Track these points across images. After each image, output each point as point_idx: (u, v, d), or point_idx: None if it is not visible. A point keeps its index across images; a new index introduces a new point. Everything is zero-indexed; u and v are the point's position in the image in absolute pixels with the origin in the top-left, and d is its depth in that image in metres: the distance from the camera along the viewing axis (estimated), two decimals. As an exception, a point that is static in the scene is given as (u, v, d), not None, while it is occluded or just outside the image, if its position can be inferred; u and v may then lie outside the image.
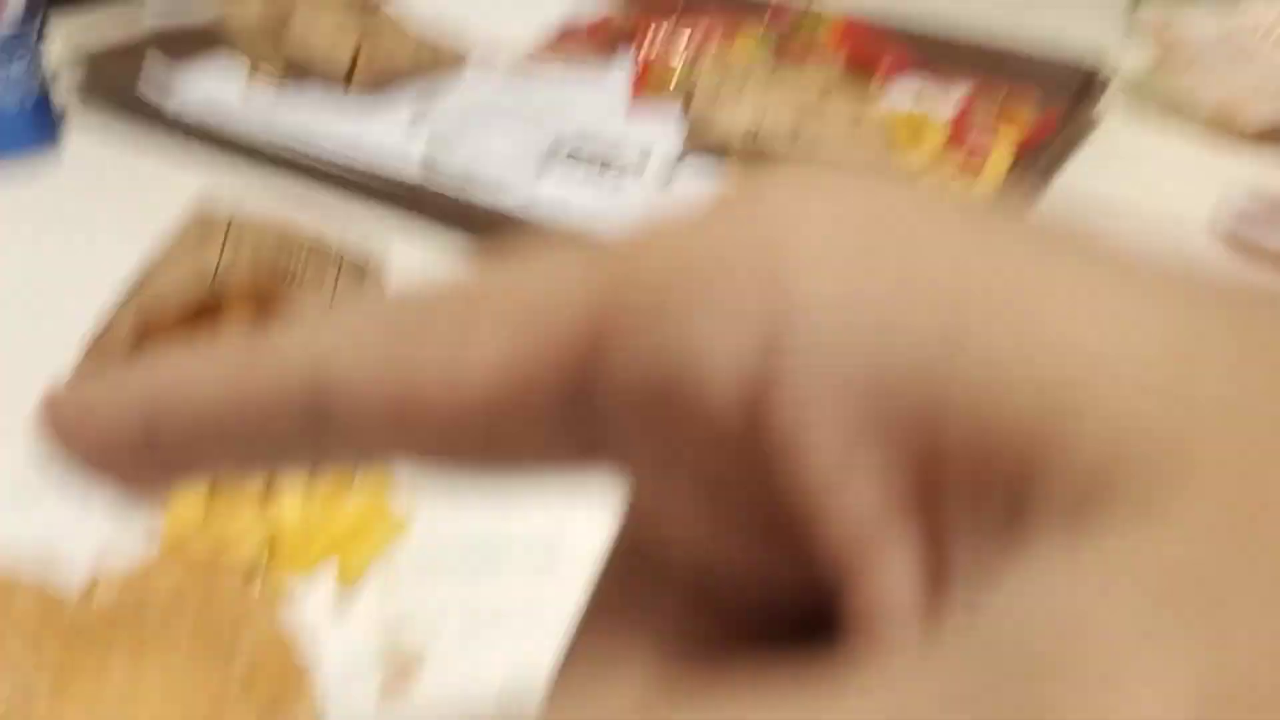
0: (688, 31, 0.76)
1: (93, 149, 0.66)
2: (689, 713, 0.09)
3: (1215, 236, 0.60)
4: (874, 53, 0.73)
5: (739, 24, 0.77)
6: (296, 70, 0.70)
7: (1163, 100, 0.71)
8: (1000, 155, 0.63)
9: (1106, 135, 0.70)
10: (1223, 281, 0.10)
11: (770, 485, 0.11)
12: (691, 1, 0.80)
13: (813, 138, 0.59)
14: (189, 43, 0.74)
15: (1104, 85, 0.69)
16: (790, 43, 0.74)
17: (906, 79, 0.72)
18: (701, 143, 0.62)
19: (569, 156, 0.63)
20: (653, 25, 0.76)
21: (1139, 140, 0.70)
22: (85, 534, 0.38)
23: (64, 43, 0.75)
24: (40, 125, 0.65)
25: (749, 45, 0.74)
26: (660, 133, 0.65)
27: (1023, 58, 0.72)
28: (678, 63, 0.71)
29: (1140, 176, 0.68)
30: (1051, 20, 0.82)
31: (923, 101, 0.69)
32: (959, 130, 0.66)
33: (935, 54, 0.73)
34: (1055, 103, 0.68)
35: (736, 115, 0.61)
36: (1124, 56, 0.70)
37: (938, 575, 0.10)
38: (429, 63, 0.72)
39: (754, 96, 0.61)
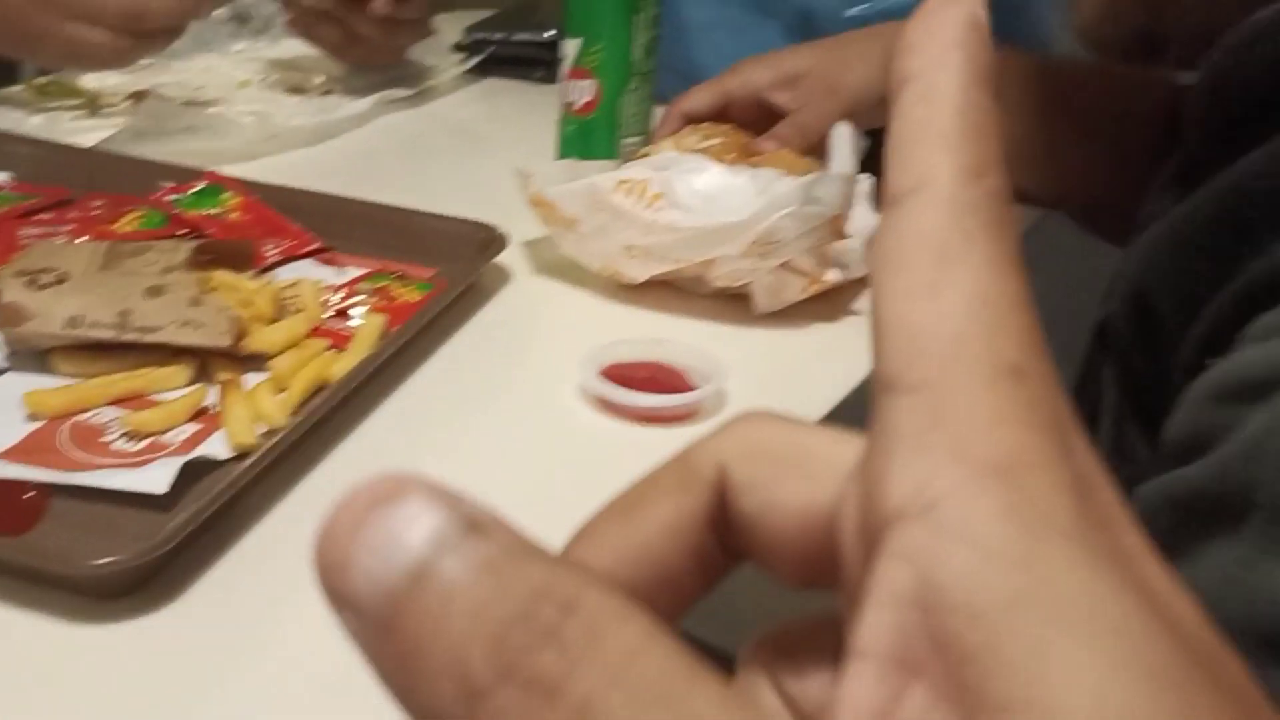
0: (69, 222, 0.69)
1: None
2: None
3: (585, 394, 0.59)
4: (266, 229, 0.69)
5: (123, 206, 0.71)
6: None
7: (556, 262, 0.71)
8: (371, 329, 0.60)
9: (501, 300, 0.69)
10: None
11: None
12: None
13: (144, 322, 0.54)
14: None
15: (500, 248, 0.68)
16: (176, 219, 0.69)
17: (300, 257, 0.69)
18: (16, 336, 0.55)
19: None
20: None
21: (533, 303, 0.69)
22: None
23: None
24: None
25: (130, 223, 0.69)
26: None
27: (426, 229, 0.70)
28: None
29: (533, 338, 0.67)
30: (452, 189, 0.81)
31: (309, 278, 0.66)
32: (339, 310, 0.63)
33: (335, 228, 0.70)
34: (451, 272, 0.67)
35: (59, 305, 0.54)
36: (520, 222, 0.70)
37: None
38: None
39: (85, 283, 0.55)
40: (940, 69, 0.18)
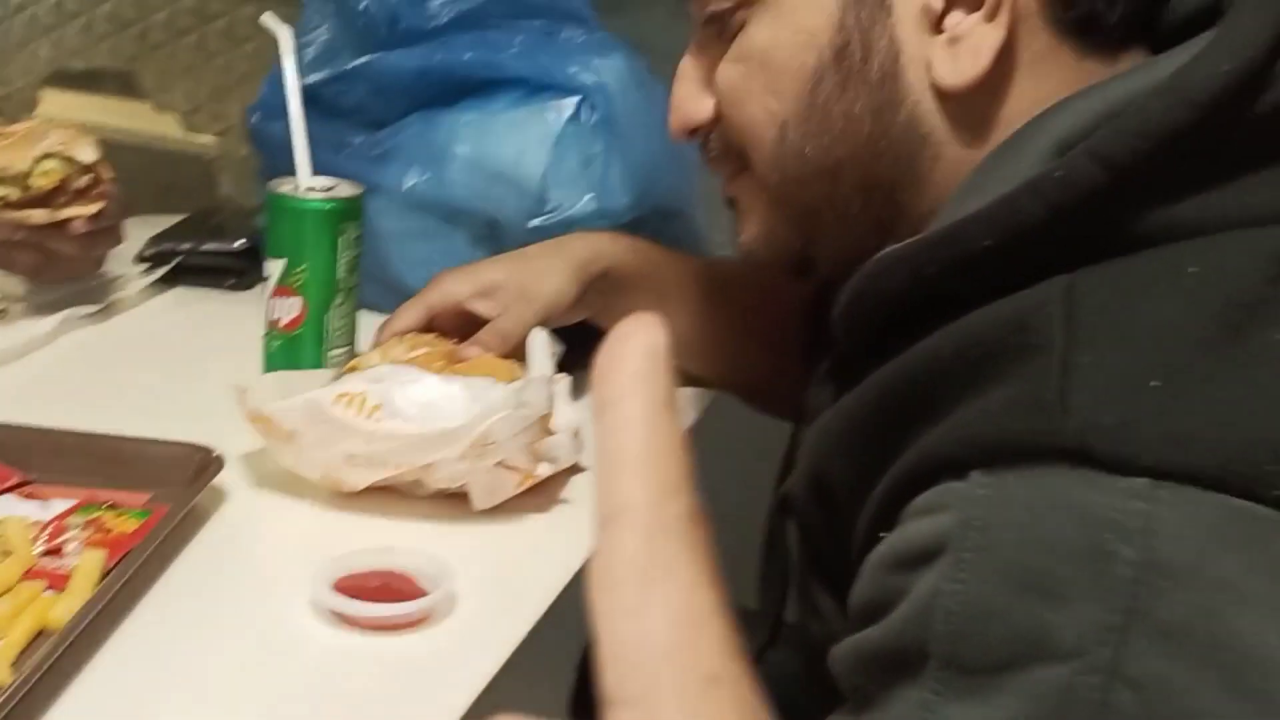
0: None
1: None
2: None
3: (317, 610, 0.61)
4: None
5: None
6: None
7: (273, 475, 0.73)
8: (90, 565, 0.59)
9: (221, 520, 0.69)
10: None
11: None
12: None
13: None
14: None
15: (218, 469, 0.69)
16: None
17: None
18: None
19: None
20: None
21: (254, 521, 0.70)
22: None
23: None
24: None
25: None
26: None
27: (136, 455, 0.70)
28: None
29: (259, 557, 0.67)
30: (154, 407, 0.81)
31: (13, 516, 0.63)
32: (51, 549, 0.61)
33: (34, 460, 0.69)
34: (166, 496, 0.66)
35: None
36: (230, 436, 0.71)
37: None
38: None
39: None
40: (627, 398, 0.24)
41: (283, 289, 0.80)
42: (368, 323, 0.85)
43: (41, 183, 0.85)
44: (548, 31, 1.02)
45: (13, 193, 0.87)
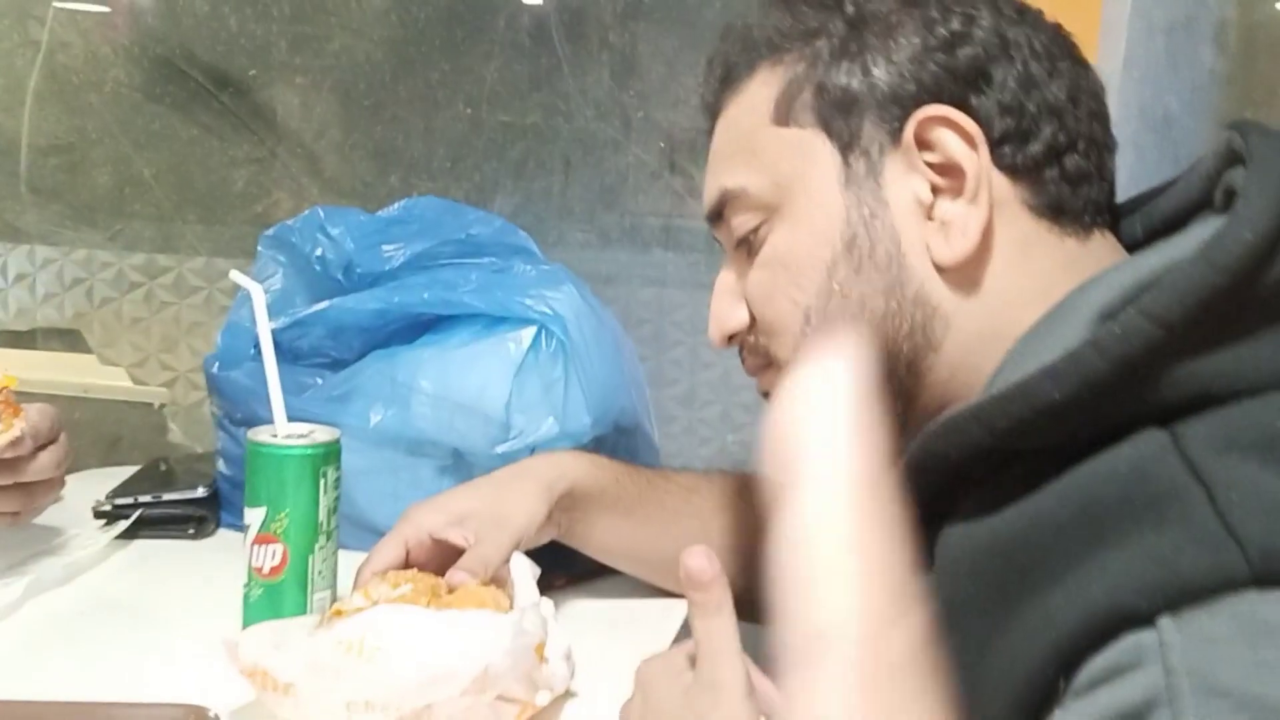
0: None
1: None
2: None
3: None
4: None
5: None
6: None
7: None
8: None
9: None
10: None
11: None
12: None
13: None
14: None
15: (213, 729, 0.68)
16: None
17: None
18: None
19: None
20: None
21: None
22: None
23: None
24: None
25: None
26: None
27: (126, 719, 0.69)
28: None
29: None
30: (149, 668, 0.80)
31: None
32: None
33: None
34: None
35: None
36: (224, 693, 0.70)
37: None
38: None
39: None
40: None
41: (264, 537, 0.80)
42: (342, 563, 0.86)
43: None
44: (499, 268, 1.08)
45: None
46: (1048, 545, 0.51)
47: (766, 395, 0.69)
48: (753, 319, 0.69)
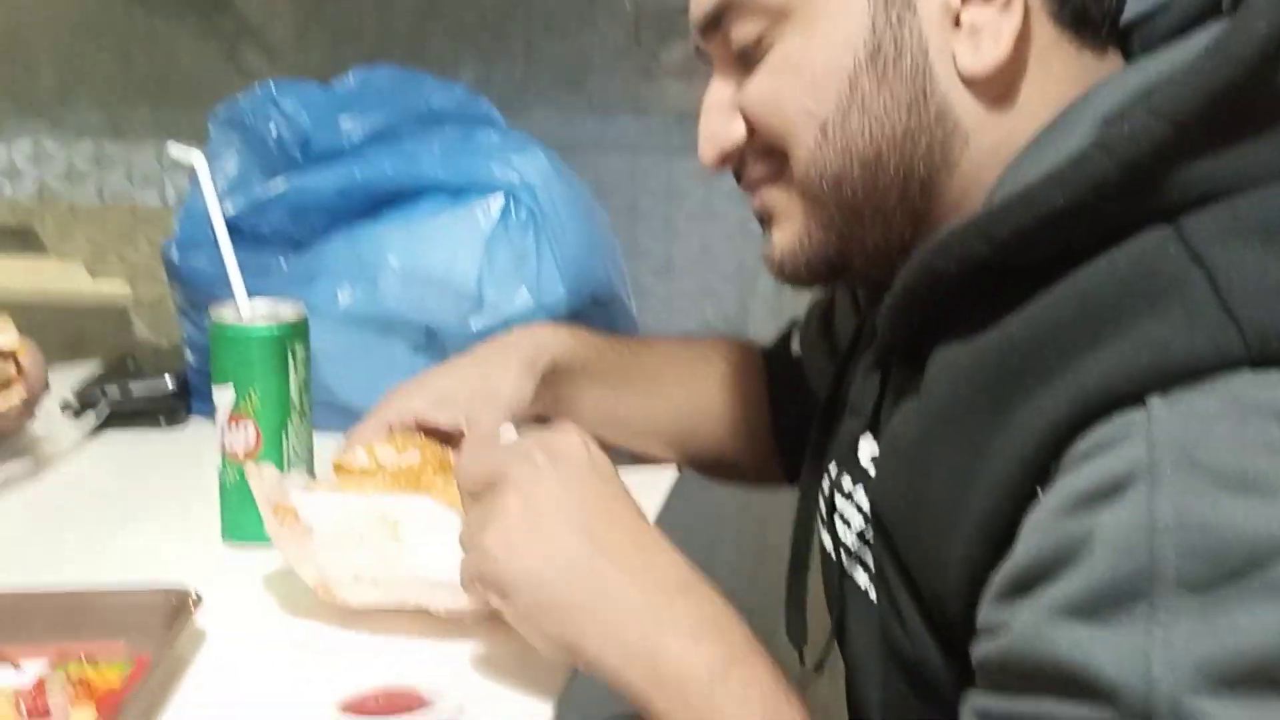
0: None
1: None
2: None
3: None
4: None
5: None
6: None
7: (251, 612, 0.71)
8: (88, 717, 0.56)
9: (207, 660, 0.67)
10: None
11: None
12: None
13: None
14: None
15: (195, 609, 0.67)
16: None
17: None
18: None
19: None
20: None
21: (240, 655, 0.68)
22: None
23: None
24: None
25: None
26: None
27: (106, 604, 0.67)
28: None
29: (249, 690, 0.65)
30: (124, 556, 0.79)
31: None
32: (35, 711, 0.58)
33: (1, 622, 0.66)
34: (143, 643, 0.64)
35: None
36: (200, 579, 0.69)
37: None
38: None
39: None
40: None
41: (236, 416, 0.78)
42: (317, 445, 0.84)
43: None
44: (463, 136, 1.04)
45: None
46: (1045, 344, 0.50)
47: (763, 220, 0.66)
48: (751, 132, 0.64)
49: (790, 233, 0.64)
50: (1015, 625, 0.47)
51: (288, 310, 0.81)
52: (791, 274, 0.65)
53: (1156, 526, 0.44)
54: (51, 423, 1.01)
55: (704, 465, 0.95)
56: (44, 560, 0.79)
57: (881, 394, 0.63)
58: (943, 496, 0.53)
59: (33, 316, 1.26)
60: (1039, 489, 0.48)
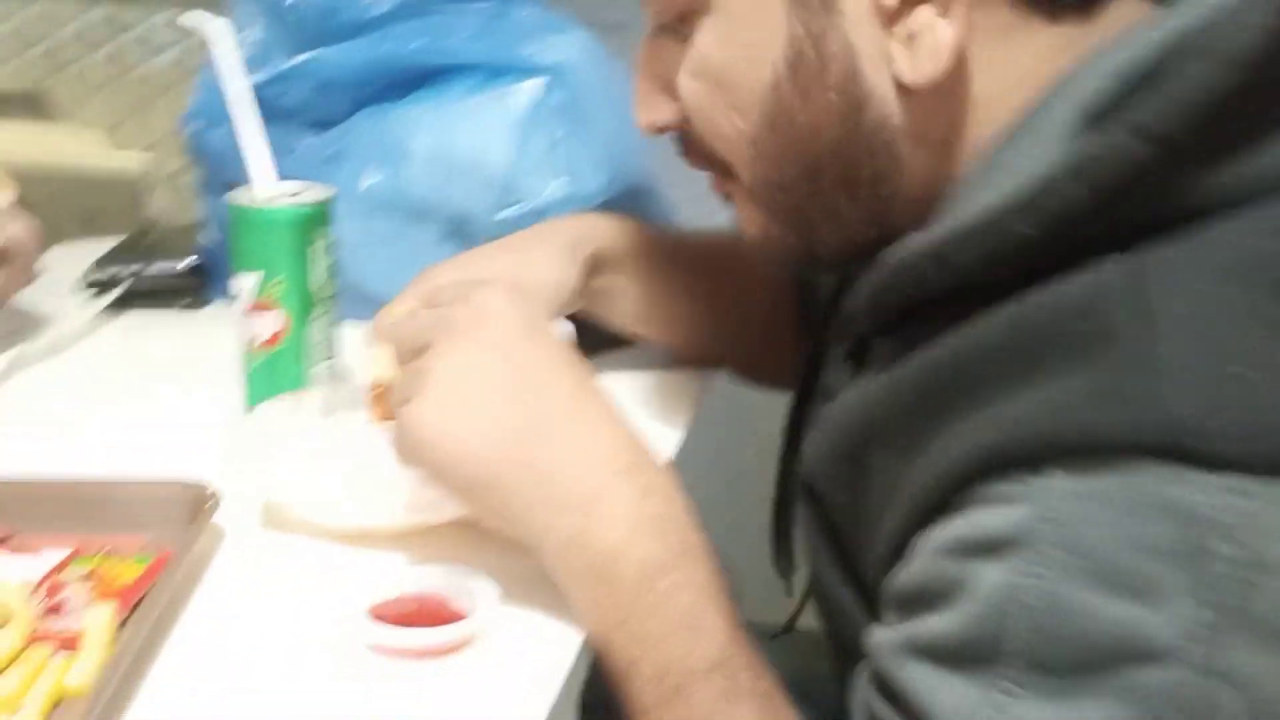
0: None
1: None
2: None
3: (350, 641, 0.57)
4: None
5: None
6: None
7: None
8: (102, 621, 0.54)
9: (228, 558, 0.64)
10: None
11: None
12: None
13: None
14: None
15: (215, 505, 0.64)
16: None
17: (-17, 552, 0.61)
18: None
19: None
20: None
21: (261, 555, 0.65)
22: None
23: None
24: None
25: None
26: None
27: (126, 497, 0.65)
28: None
29: (271, 590, 0.63)
30: (142, 442, 0.77)
31: (6, 575, 0.58)
32: (51, 607, 0.56)
33: (11, 512, 0.63)
34: (164, 538, 0.62)
35: None
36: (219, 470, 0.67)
37: None
38: None
39: None
40: None
41: (260, 304, 0.75)
42: (340, 335, 0.81)
43: None
44: (497, 14, 0.98)
45: None
46: (971, 370, 0.47)
47: (728, 199, 0.62)
48: (689, 121, 0.59)
49: (752, 226, 0.60)
50: (884, 642, 0.48)
51: (312, 192, 0.77)
52: (766, 258, 0.62)
53: (1019, 599, 0.42)
54: (66, 301, 0.98)
55: (741, 366, 0.92)
56: (54, 448, 0.76)
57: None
58: (874, 495, 0.51)
59: (46, 188, 1.22)
60: (936, 518, 0.46)
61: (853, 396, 0.54)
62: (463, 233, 0.96)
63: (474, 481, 0.56)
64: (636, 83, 0.62)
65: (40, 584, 0.58)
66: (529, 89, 0.92)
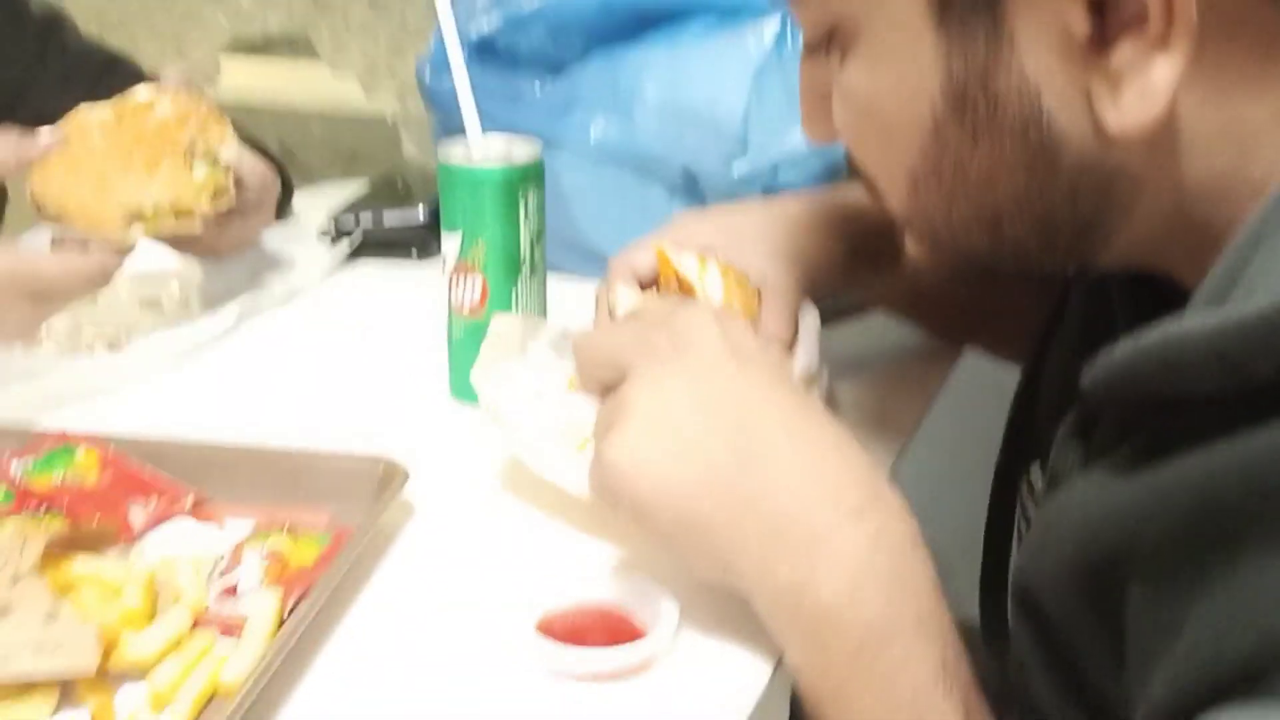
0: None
1: None
2: None
3: (536, 660, 0.52)
4: (131, 487, 0.61)
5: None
6: None
7: (466, 484, 0.65)
8: (266, 612, 0.52)
9: (410, 539, 0.61)
10: None
11: None
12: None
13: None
14: None
15: (403, 483, 0.61)
16: (22, 492, 0.60)
17: (175, 518, 0.61)
18: None
19: None
20: None
21: (445, 539, 0.62)
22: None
23: None
24: None
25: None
26: None
27: (316, 468, 0.63)
28: None
29: (450, 580, 0.59)
30: (342, 400, 0.75)
31: (187, 555, 0.57)
32: (227, 589, 0.54)
33: (212, 475, 0.63)
34: (349, 513, 0.60)
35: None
36: (430, 435, 0.64)
37: None
38: None
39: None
40: None
41: (462, 266, 0.71)
42: (559, 291, 0.76)
43: (206, 208, 0.79)
44: (738, -53, 0.90)
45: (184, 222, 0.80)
46: (1272, 497, 0.35)
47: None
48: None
49: (922, 254, 0.54)
50: None
51: (521, 150, 0.72)
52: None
53: None
54: (307, 247, 0.99)
55: (993, 341, 0.81)
56: (266, 401, 0.76)
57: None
58: (1138, 634, 0.40)
59: (308, 128, 1.24)
60: (1236, 693, 0.35)
61: (1093, 502, 0.43)
62: (693, 187, 0.90)
63: (680, 523, 0.48)
64: (801, 96, 0.54)
65: (221, 560, 0.56)
66: (768, 31, 0.84)
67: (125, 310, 0.88)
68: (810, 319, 0.67)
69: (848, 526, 0.46)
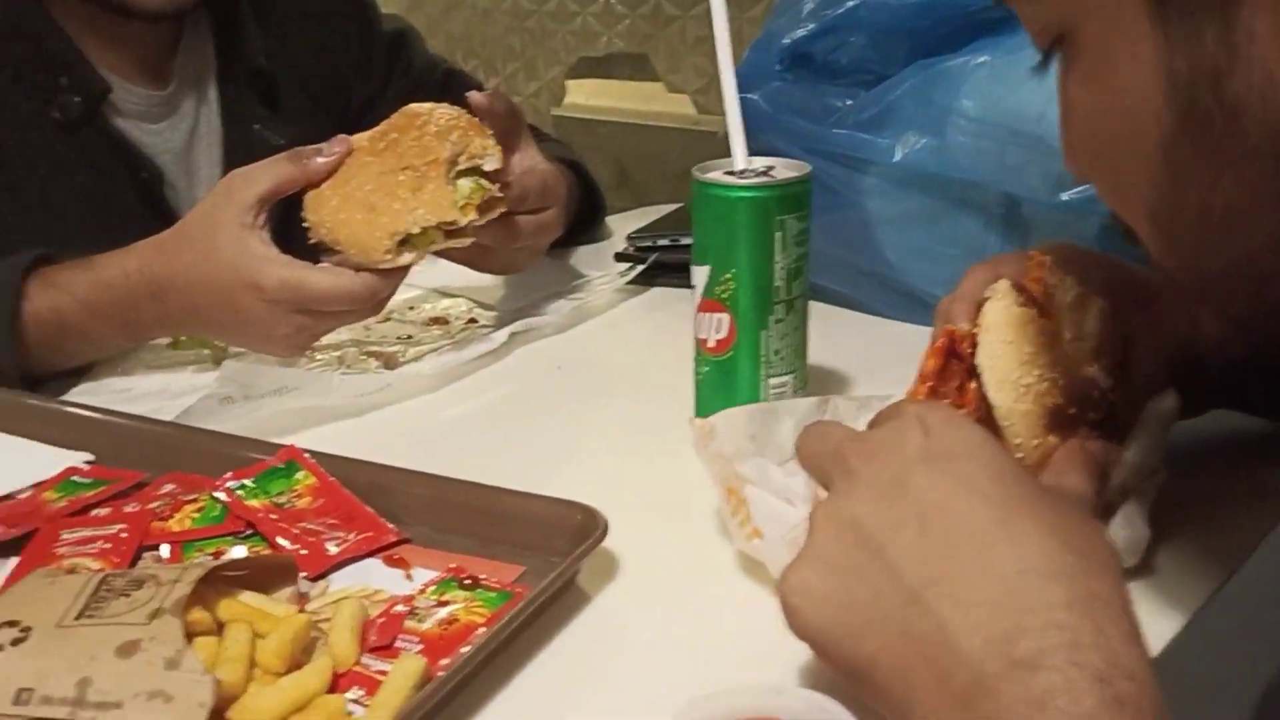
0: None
1: None
2: None
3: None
4: (339, 515, 0.58)
5: (190, 493, 0.62)
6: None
7: (673, 543, 0.57)
8: (404, 678, 0.46)
9: (602, 601, 0.54)
10: None
11: None
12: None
13: (103, 696, 0.43)
14: None
15: (600, 538, 0.54)
16: (234, 511, 0.59)
17: (366, 558, 0.57)
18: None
19: None
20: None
21: (640, 605, 0.54)
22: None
23: None
24: None
25: (187, 517, 0.59)
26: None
27: (513, 513, 0.57)
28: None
29: (626, 657, 0.51)
30: (589, 437, 0.69)
31: (355, 600, 0.53)
32: (381, 645, 0.50)
33: (422, 513, 0.58)
34: (542, 568, 0.53)
35: (13, 671, 0.44)
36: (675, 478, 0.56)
37: None
38: None
39: (48, 641, 0.45)
40: None
41: (708, 303, 0.63)
42: (859, 329, 0.66)
43: (477, 220, 0.77)
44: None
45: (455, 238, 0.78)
46: None
47: None
48: None
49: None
50: None
51: (786, 169, 0.63)
52: None
53: None
54: (602, 270, 0.95)
55: None
56: (512, 432, 0.72)
57: None
58: None
59: (641, 146, 1.21)
60: None
61: None
62: (1015, 217, 0.77)
63: (848, 665, 0.41)
64: (1061, 127, 0.45)
65: (389, 607, 0.52)
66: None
67: (406, 329, 0.88)
68: (1167, 402, 0.54)
69: (1013, 682, 0.35)
